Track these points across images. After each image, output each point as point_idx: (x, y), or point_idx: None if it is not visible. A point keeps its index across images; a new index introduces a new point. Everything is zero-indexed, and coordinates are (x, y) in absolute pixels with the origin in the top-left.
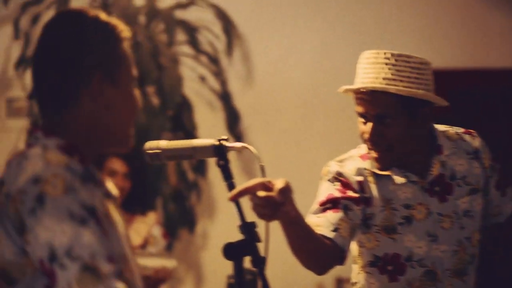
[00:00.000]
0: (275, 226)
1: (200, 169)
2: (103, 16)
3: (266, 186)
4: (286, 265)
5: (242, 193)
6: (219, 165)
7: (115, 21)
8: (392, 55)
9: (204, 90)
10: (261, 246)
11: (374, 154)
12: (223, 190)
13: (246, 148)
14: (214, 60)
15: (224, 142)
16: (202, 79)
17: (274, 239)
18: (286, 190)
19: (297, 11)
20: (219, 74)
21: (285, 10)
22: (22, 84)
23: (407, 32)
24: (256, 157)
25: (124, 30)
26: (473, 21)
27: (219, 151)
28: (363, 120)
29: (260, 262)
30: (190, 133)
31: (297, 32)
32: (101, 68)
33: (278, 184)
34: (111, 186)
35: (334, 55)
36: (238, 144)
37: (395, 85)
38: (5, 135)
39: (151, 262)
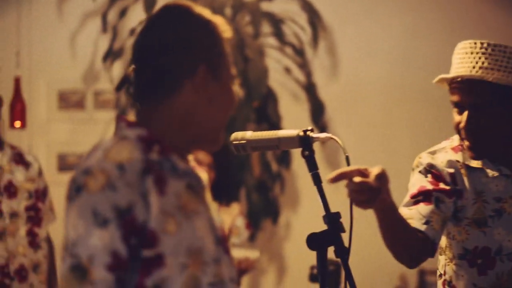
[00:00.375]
0: (359, 217)
1: (284, 160)
2: (207, 13)
3: (363, 173)
4: (369, 256)
5: (339, 177)
6: (304, 156)
7: (219, 19)
8: (489, 44)
9: (289, 82)
10: (345, 236)
11: (467, 143)
12: (306, 181)
13: (332, 138)
14: (299, 52)
15: (309, 133)
16: (287, 70)
17: (357, 230)
18: (382, 177)
19: (382, 2)
20: (304, 65)
21: (370, 1)
22: (109, 77)
23: (496, 22)
24: (342, 148)
25: (227, 30)
26: None
27: (305, 142)
28: (457, 109)
29: (343, 252)
30: (275, 124)
31: (382, 24)
32: (206, 61)
33: (375, 171)
34: (202, 176)
35: (419, 47)
36: (324, 135)
37: (492, 74)
38: (93, 127)
39: (234, 253)
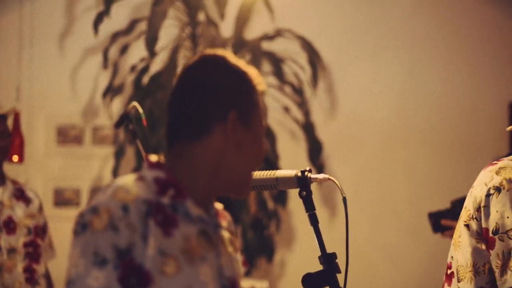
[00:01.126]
0: (354, 258)
1: (280, 198)
2: (243, 64)
3: None
4: None
5: None
6: (301, 196)
7: (253, 71)
8: None
9: (287, 121)
10: (340, 277)
11: None
12: (302, 220)
13: (330, 179)
14: (298, 91)
15: (307, 174)
16: (286, 109)
17: (353, 270)
18: None
19: (381, 43)
20: (302, 105)
21: (369, 42)
22: (109, 113)
23: (491, 65)
24: (340, 189)
25: (261, 83)
26: None
27: (303, 182)
28: None
29: None
30: (273, 163)
31: (381, 64)
32: (237, 107)
33: None
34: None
35: (418, 88)
36: (322, 176)
37: None
38: (90, 162)
39: (243, 283)
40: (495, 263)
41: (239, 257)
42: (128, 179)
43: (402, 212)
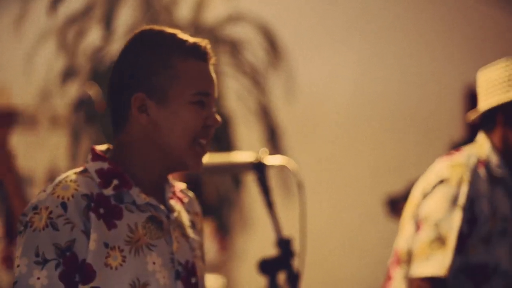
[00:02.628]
0: (311, 242)
1: (238, 183)
2: (171, 35)
3: None
4: (321, 281)
5: None
6: (257, 181)
7: (188, 40)
8: None
9: (245, 105)
10: (296, 262)
11: None
12: (259, 205)
13: (285, 165)
14: (256, 76)
15: (263, 158)
16: (245, 94)
17: (310, 253)
18: None
19: (340, 28)
20: (261, 90)
21: (329, 27)
22: (64, 96)
23: (446, 48)
24: (294, 175)
25: (195, 50)
26: None
27: (258, 167)
28: None
29: (294, 278)
30: (230, 148)
31: (340, 50)
32: (144, 88)
33: None
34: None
35: (376, 74)
36: (278, 161)
37: None
38: (46, 147)
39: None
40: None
41: (201, 237)
42: (70, 174)
43: (360, 196)
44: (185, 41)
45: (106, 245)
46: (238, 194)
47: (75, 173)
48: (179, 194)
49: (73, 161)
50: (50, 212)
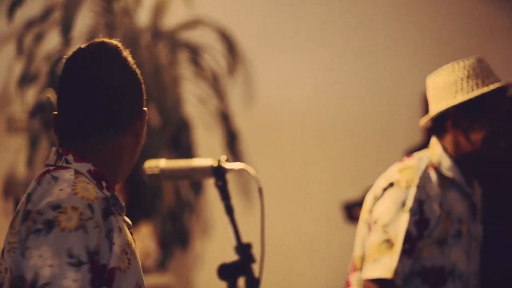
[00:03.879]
0: (270, 248)
1: (197, 188)
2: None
3: None
4: (280, 286)
5: None
6: (217, 186)
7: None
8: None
9: (204, 110)
10: (256, 267)
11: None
12: (219, 210)
13: (245, 170)
14: (215, 81)
15: (223, 163)
16: (203, 99)
17: (269, 259)
18: None
19: (300, 34)
20: (220, 95)
21: (288, 34)
22: (23, 102)
23: (404, 55)
24: (255, 179)
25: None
26: (475, 45)
27: (218, 172)
28: (496, 121)
29: (254, 283)
30: (190, 153)
31: (299, 55)
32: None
33: None
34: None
35: (335, 79)
36: (237, 166)
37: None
38: (3, 152)
39: (148, 279)
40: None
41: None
42: (72, 174)
43: (318, 201)
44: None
45: (121, 248)
46: (198, 199)
47: (76, 174)
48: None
49: (30, 166)
50: (81, 214)
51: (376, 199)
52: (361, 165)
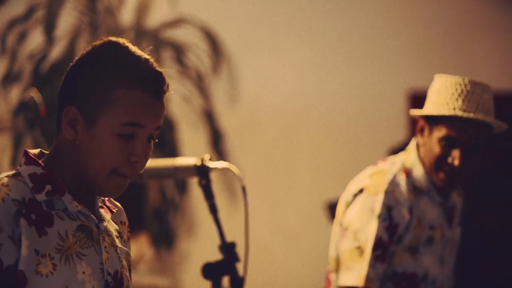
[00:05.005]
0: (255, 247)
1: (181, 187)
2: (132, 58)
3: None
4: (264, 285)
5: None
6: (201, 185)
7: (142, 71)
8: (475, 84)
9: (188, 109)
10: (240, 266)
11: (442, 176)
12: (204, 209)
13: (228, 169)
14: (199, 80)
15: (206, 162)
16: (187, 98)
17: (253, 258)
18: None
19: (283, 34)
20: (204, 93)
21: (271, 33)
22: (6, 101)
23: (388, 53)
24: (238, 178)
25: (141, 82)
26: (457, 44)
27: (201, 171)
28: (444, 144)
29: (238, 282)
30: (174, 152)
31: (283, 53)
32: (79, 104)
33: None
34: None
35: (319, 77)
36: (221, 165)
37: (491, 116)
38: None
39: (144, 280)
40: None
41: (128, 247)
42: (2, 177)
43: (302, 200)
44: (139, 70)
45: (37, 252)
46: (183, 198)
47: (8, 176)
48: (109, 204)
49: (15, 166)
50: None
51: (347, 204)
52: (345, 164)
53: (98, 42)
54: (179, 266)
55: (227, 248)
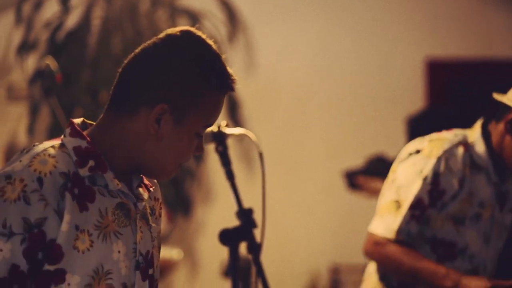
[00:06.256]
0: (271, 214)
1: (198, 155)
2: (218, 60)
3: None
4: (281, 252)
5: None
6: (217, 151)
7: (226, 73)
8: None
9: None
10: (257, 232)
11: None
12: (221, 177)
13: (245, 135)
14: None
15: (223, 128)
16: None
17: (270, 225)
18: None
19: (299, 2)
20: None
21: (287, 1)
22: (23, 70)
23: (405, 22)
24: (255, 144)
25: (228, 85)
26: (474, 11)
27: (218, 137)
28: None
29: (255, 248)
30: None
31: (299, 22)
32: (172, 103)
33: None
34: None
35: (335, 45)
36: (238, 131)
37: None
38: (4, 120)
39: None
40: None
41: (159, 224)
42: (48, 147)
43: (318, 168)
44: (224, 74)
45: (77, 227)
46: (200, 166)
47: (53, 147)
48: (146, 182)
49: (31, 134)
50: (25, 186)
51: (401, 161)
52: (362, 132)
53: (176, 31)
54: (195, 234)
55: (244, 214)
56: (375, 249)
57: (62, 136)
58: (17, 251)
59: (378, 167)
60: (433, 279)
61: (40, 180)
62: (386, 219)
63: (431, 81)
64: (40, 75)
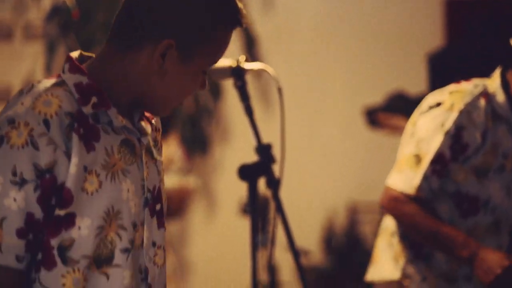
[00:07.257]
0: (290, 152)
1: (216, 93)
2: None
3: None
4: (299, 189)
5: None
6: (236, 86)
7: (234, 8)
8: None
9: None
10: (276, 167)
11: None
12: (238, 114)
13: (264, 70)
14: None
15: (242, 64)
16: None
17: (289, 162)
18: None
19: None
20: None
21: None
22: (39, 8)
23: None
24: (274, 79)
25: (237, 22)
26: None
27: (237, 72)
28: None
29: (274, 183)
30: None
31: None
32: (179, 38)
33: None
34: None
35: None
36: (256, 66)
37: None
38: (21, 59)
39: (173, 182)
40: None
41: (161, 155)
42: (48, 86)
43: (338, 105)
44: (234, 8)
45: (85, 168)
46: (217, 104)
47: (54, 85)
48: (147, 114)
49: (48, 72)
50: (31, 130)
51: (421, 113)
52: (382, 69)
53: None
54: (213, 173)
55: (263, 149)
56: (394, 205)
57: (61, 72)
58: (31, 199)
59: (399, 104)
60: (450, 245)
61: (46, 123)
62: (405, 174)
63: (450, 18)
64: (56, 11)
